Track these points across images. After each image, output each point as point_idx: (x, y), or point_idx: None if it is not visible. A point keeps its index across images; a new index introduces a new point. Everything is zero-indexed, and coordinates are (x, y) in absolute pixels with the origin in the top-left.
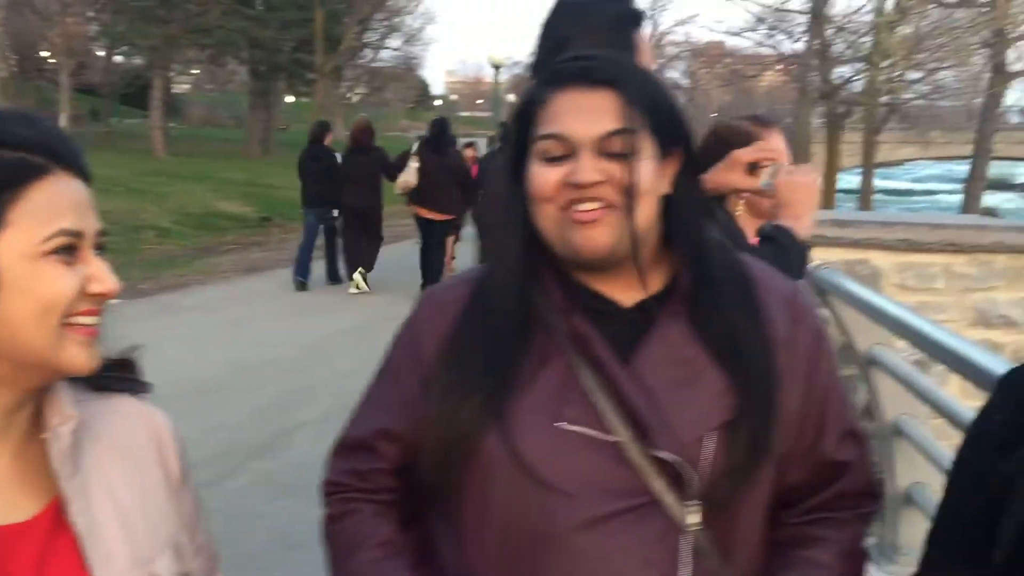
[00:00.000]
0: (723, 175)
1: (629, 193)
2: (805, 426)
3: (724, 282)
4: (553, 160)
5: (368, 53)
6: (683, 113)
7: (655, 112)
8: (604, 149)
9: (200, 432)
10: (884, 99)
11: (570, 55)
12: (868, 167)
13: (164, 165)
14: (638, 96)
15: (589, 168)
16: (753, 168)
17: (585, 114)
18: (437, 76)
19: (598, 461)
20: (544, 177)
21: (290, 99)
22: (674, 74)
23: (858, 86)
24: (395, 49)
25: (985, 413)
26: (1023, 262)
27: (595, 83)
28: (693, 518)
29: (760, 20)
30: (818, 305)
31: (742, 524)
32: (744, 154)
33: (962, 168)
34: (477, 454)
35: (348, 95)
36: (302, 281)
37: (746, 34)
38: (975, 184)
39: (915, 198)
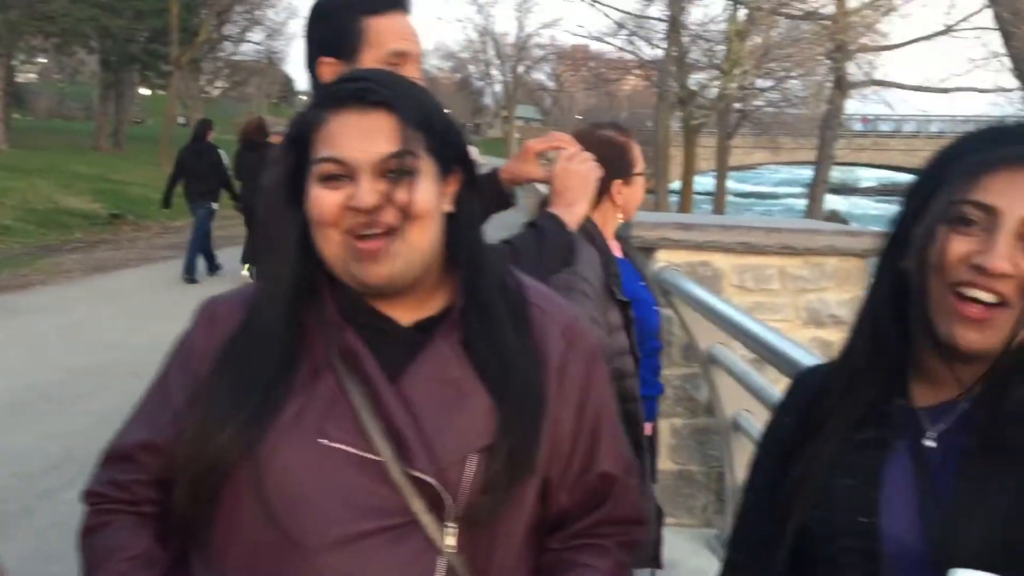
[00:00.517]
0: (517, 166)
1: (408, 216)
2: (576, 451)
3: (498, 304)
4: (332, 183)
5: (228, 46)
6: (459, 131)
7: (432, 132)
8: (383, 171)
9: (38, 440)
10: (736, 106)
11: (346, 76)
12: (722, 171)
13: (6, 158)
14: (414, 116)
15: (368, 191)
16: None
17: (362, 136)
18: (302, 71)
19: (359, 479)
20: (325, 200)
21: (146, 92)
22: (540, 76)
23: (713, 93)
24: (257, 43)
25: (777, 415)
26: (852, 264)
27: (371, 104)
28: (450, 540)
29: (620, 26)
30: (663, 306)
31: (501, 547)
32: (535, 144)
33: (809, 173)
34: (234, 471)
35: (207, 89)
36: (190, 277)
37: (608, 39)
38: (818, 188)
39: (767, 201)
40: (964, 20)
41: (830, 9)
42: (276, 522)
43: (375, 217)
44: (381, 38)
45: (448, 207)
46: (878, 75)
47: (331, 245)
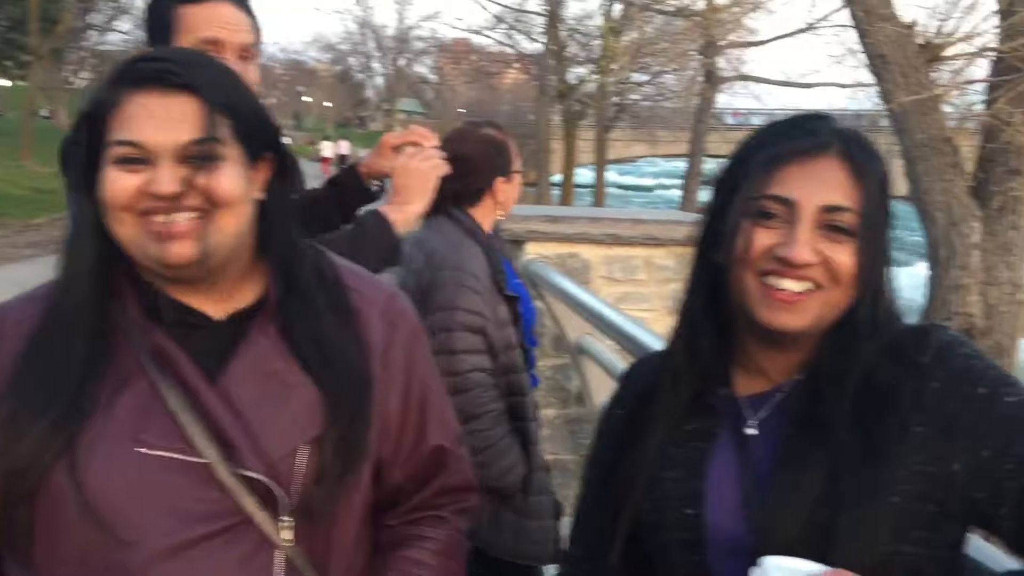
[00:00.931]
0: (374, 159)
1: (213, 203)
2: (405, 429)
3: (315, 291)
4: (129, 166)
5: (93, 35)
6: (269, 116)
7: (239, 117)
8: (184, 157)
9: None
10: (614, 100)
11: (148, 54)
12: (601, 164)
13: None
14: (219, 100)
15: (169, 178)
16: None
17: (163, 121)
18: None
19: (184, 485)
20: (119, 184)
21: (5, 83)
22: (422, 69)
23: (591, 87)
24: (124, 32)
25: (610, 408)
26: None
27: (172, 87)
28: (286, 534)
29: (499, 19)
30: (533, 298)
31: (339, 534)
32: (391, 138)
33: (685, 165)
34: (45, 488)
35: (72, 79)
36: None
37: (487, 32)
38: (692, 180)
39: (647, 193)
40: (824, 18)
41: (700, 5)
42: (102, 536)
43: (176, 203)
44: (192, 25)
45: (258, 194)
46: (747, 70)
47: (126, 227)
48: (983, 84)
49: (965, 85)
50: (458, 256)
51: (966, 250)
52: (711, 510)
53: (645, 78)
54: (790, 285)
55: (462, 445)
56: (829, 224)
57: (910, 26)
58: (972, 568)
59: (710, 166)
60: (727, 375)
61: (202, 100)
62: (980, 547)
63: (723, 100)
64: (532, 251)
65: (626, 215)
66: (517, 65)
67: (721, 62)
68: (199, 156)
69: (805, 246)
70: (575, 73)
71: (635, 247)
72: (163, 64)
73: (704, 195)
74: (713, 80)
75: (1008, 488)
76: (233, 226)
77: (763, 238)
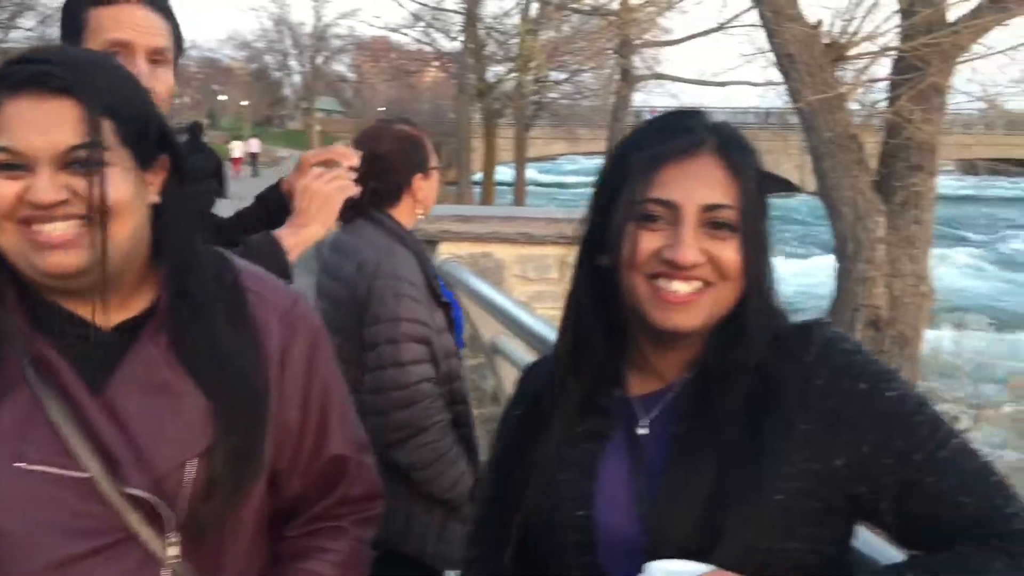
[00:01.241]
0: (294, 177)
1: (98, 210)
2: (304, 436)
3: (211, 297)
4: (7, 172)
5: None
6: (161, 117)
7: (125, 120)
8: (65, 163)
9: None
10: (533, 98)
11: (26, 55)
12: (521, 162)
13: None
14: (102, 103)
15: (48, 186)
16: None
17: (41, 126)
18: None
19: (66, 500)
20: None
21: None
22: (340, 67)
23: (510, 85)
24: (29, 29)
25: (507, 409)
26: None
27: (52, 90)
28: (173, 551)
29: (417, 17)
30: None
31: (230, 548)
32: (310, 156)
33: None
34: None
35: None
36: None
37: (404, 31)
38: None
39: (567, 190)
40: (735, 18)
41: (616, 5)
42: None
43: (56, 211)
44: (101, 27)
45: (154, 198)
46: (663, 69)
47: (7, 236)
48: (886, 82)
49: (869, 83)
50: (392, 263)
51: (871, 244)
52: (602, 511)
53: (563, 76)
54: (680, 287)
55: (366, 452)
56: (711, 222)
57: (816, 26)
58: (860, 562)
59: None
60: (619, 375)
61: (83, 103)
62: (868, 541)
63: (640, 98)
64: (445, 251)
65: (539, 214)
66: (436, 63)
67: (637, 61)
68: (81, 162)
69: (691, 247)
70: (494, 71)
71: (548, 246)
72: (42, 66)
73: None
74: (629, 79)
75: (887, 483)
76: (123, 233)
77: (648, 241)
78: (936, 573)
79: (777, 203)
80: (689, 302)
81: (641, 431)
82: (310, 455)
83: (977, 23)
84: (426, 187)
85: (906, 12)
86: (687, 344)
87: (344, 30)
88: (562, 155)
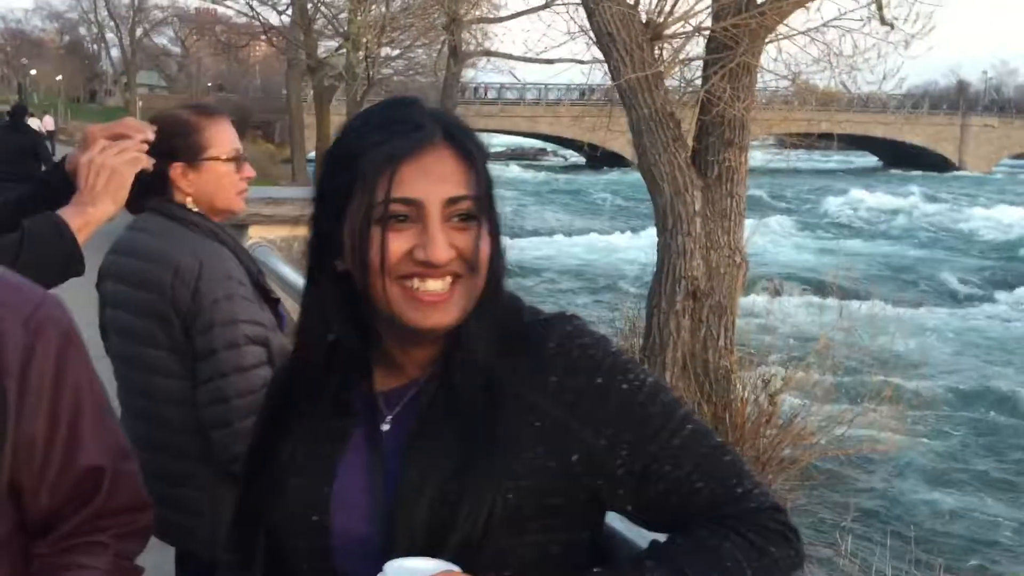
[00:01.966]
0: (81, 152)
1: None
2: (52, 449)
3: None
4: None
5: None
6: None
7: None
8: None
9: None
10: (365, 74)
11: None
12: None
13: None
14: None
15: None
16: None
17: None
18: None
19: None
20: None
21: None
22: (163, 40)
23: (341, 61)
24: None
25: (259, 414)
26: None
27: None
28: None
29: None
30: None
31: None
32: (96, 130)
33: None
34: None
35: None
36: None
37: (228, 3)
38: None
39: None
40: None
41: None
42: None
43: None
44: None
45: None
46: (495, 45)
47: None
48: (700, 61)
49: (684, 62)
50: (216, 264)
51: (689, 217)
52: (338, 514)
53: (395, 53)
54: (435, 285)
55: (127, 460)
56: (456, 215)
57: (634, 6)
58: (614, 546)
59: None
60: (365, 372)
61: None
62: (620, 526)
63: (471, 74)
64: (255, 235)
65: None
66: (265, 38)
67: (467, 37)
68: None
69: (443, 245)
70: (326, 46)
71: None
72: None
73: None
74: (458, 56)
75: (624, 474)
76: None
77: (397, 243)
78: (673, 558)
79: (618, 177)
80: (445, 299)
81: (384, 427)
82: (60, 468)
83: (780, 5)
84: (195, 178)
85: None
86: (433, 340)
87: (165, 1)
88: None
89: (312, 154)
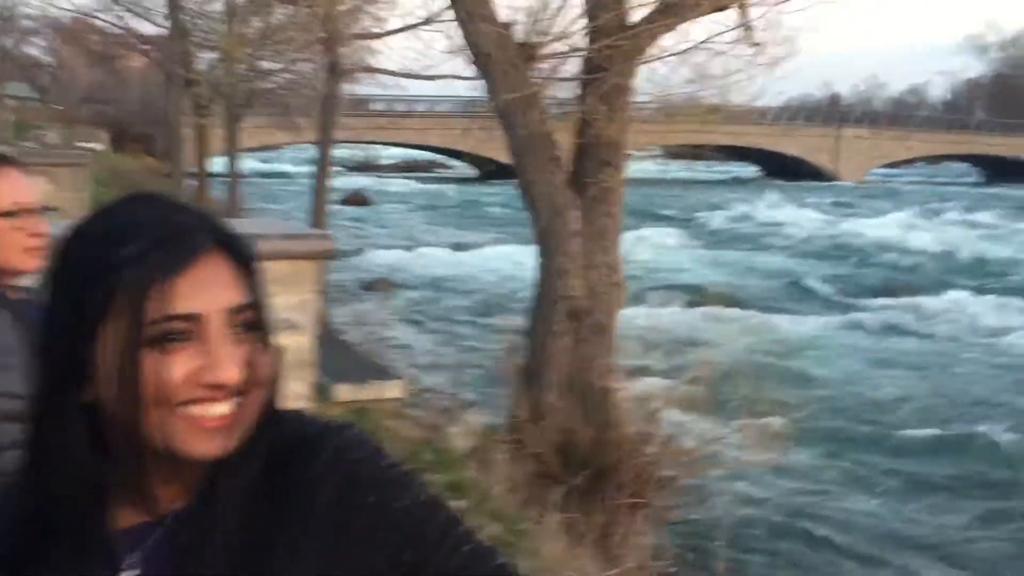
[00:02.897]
0: None
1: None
2: None
3: None
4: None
5: None
6: None
7: None
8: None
9: None
10: (245, 87)
11: None
12: (233, 153)
13: None
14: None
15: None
16: None
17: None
18: None
19: None
20: None
21: None
22: (34, 50)
23: (219, 74)
24: None
25: None
26: (298, 267)
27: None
28: None
29: (115, 0)
30: None
31: None
32: None
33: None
34: None
35: None
36: None
37: (99, 14)
38: (323, 171)
39: (289, 180)
40: (439, 14)
41: None
42: None
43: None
44: None
45: None
46: (376, 61)
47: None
48: (578, 81)
49: (559, 82)
50: None
51: (567, 237)
52: None
53: (275, 66)
54: (221, 409)
55: None
56: (238, 325)
57: (508, 26)
58: None
59: (360, 152)
60: (106, 508)
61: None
62: None
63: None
64: None
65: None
66: (141, 49)
67: (349, 52)
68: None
69: (231, 363)
70: (207, 59)
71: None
72: None
73: (356, 182)
74: (337, 72)
75: None
76: None
77: (177, 367)
78: None
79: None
80: (230, 423)
81: (127, 573)
82: None
83: (651, 28)
84: None
85: (591, 15)
86: (194, 467)
87: (36, 10)
88: (288, 144)
89: (193, 169)
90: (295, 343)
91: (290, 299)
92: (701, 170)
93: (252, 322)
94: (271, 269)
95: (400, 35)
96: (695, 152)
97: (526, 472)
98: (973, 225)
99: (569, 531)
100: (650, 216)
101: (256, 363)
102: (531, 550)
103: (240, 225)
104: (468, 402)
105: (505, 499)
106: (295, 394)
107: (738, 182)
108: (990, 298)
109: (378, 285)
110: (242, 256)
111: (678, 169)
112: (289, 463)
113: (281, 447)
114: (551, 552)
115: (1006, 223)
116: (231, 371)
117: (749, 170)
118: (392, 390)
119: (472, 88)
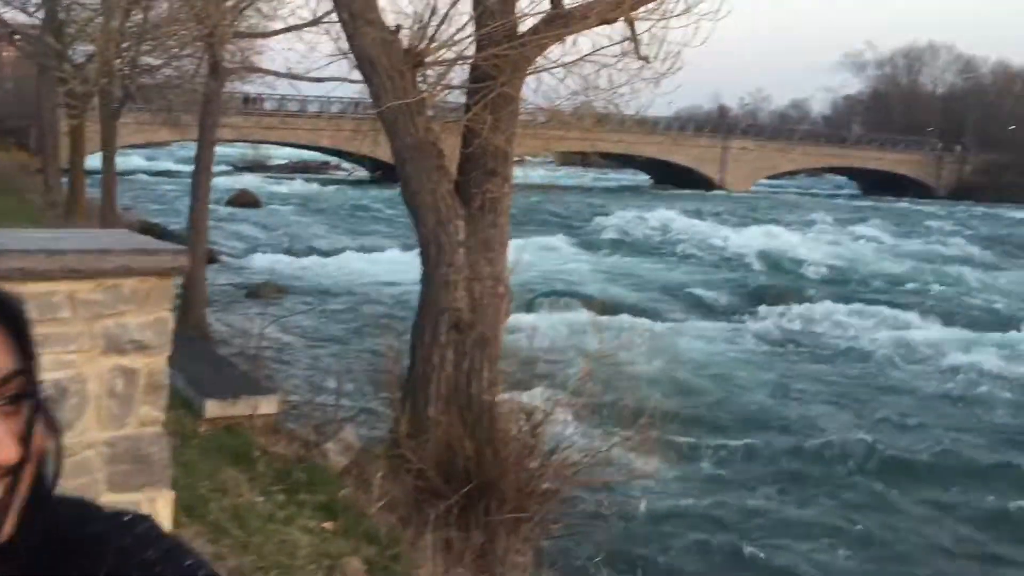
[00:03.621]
0: None
1: None
2: None
3: None
4: None
5: None
6: None
7: None
8: None
9: None
10: (123, 83)
11: None
12: (111, 150)
13: None
14: None
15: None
16: None
17: None
18: None
19: None
20: None
21: None
22: None
23: (95, 68)
24: None
25: None
26: (151, 284)
27: None
28: None
29: None
30: None
31: None
32: None
33: (221, 150)
34: None
35: None
36: None
37: None
38: (202, 174)
39: (178, 178)
40: (323, 17)
41: None
42: None
43: None
44: None
45: None
46: (261, 60)
47: None
48: (465, 90)
49: (445, 90)
50: None
51: (452, 248)
52: None
53: (157, 62)
54: None
55: None
56: (7, 396)
57: (395, 32)
58: None
59: (251, 152)
60: None
61: None
62: None
63: (245, 85)
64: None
65: (41, 246)
66: (14, 39)
67: (232, 51)
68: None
69: (10, 442)
70: (83, 51)
71: (56, 281)
72: None
73: (243, 182)
74: (219, 70)
75: None
76: None
77: None
78: None
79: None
80: (3, 508)
81: None
82: None
83: (539, 38)
84: None
85: (478, 23)
86: None
87: None
88: (173, 142)
89: (67, 165)
90: (147, 365)
91: (142, 318)
92: (593, 177)
93: (20, 392)
94: (121, 287)
95: (285, 35)
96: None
97: (406, 489)
98: (853, 236)
99: (448, 550)
100: (540, 223)
101: (30, 437)
102: (405, 574)
103: (90, 240)
104: (349, 416)
105: (382, 519)
106: (149, 419)
107: (628, 190)
108: (863, 306)
109: (262, 291)
110: (9, 317)
111: (570, 176)
112: (70, 559)
113: (58, 542)
114: (427, 575)
115: (882, 235)
116: (9, 451)
117: (640, 178)
118: (267, 405)
119: (361, 91)
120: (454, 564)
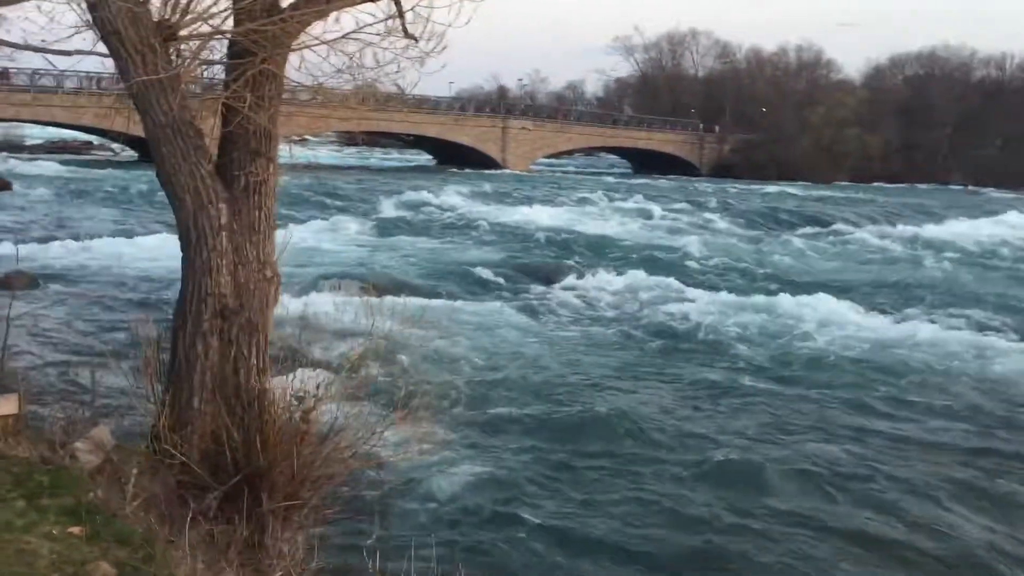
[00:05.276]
0: None
1: None
2: None
3: None
4: None
5: None
6: None
7: None
8: None
9: None
10: None
11: None
12: None
13: None
14: None
15: None
16: None
17: None
18: None
19: None
20: None
21: None
22: None
23: None
24: None
25: None
26: None
27: None
28: None
29: None
30: None
31: None
32: None
33: None
34: None
35: None
36: None
37: None
38: None
39: None
40: None
41: None
42: None
43: None
44: None
45: None
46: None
47: None
48: (223, 66)
49: (202, 66)
50: None
51: (215, 232)
52: None
53: None
54: None
55: None
56: None
57: (143, 2)
58: None
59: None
60: None
61: None
62: None
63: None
64: None
65: None
66: None
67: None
68: None
69: None
70: None
71: None
72: None
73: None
74: None
75: None
76: None
77: None
78: None
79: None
80: None
81: None
82: None
83: (300, 14)
84: None
85: None
86: None
87: None
88: None
89: None
90: None
91: None
92: (378, 158)
93: None
94: None
95: (21, 4)
96: (371, 140)
97: (168, 486)
98: (625, 212)
99: (213, 545)
100: (319, 206)
101: None
102: (158, 575)
103: None
104: (104, 412)
105: (138, 519)
106: None
107: (412, 170)
108: (644, 276)
109: (11, 280)
110: None
111: (354, 157)
112: None
113: None
114: (187, 573)
115: (652, 208)
116: None
117: (423, 158)
118: (6, 405)
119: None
120: (220, 558)
